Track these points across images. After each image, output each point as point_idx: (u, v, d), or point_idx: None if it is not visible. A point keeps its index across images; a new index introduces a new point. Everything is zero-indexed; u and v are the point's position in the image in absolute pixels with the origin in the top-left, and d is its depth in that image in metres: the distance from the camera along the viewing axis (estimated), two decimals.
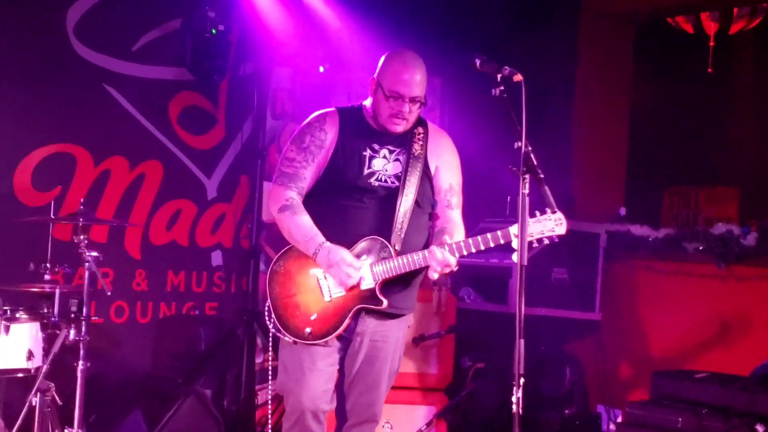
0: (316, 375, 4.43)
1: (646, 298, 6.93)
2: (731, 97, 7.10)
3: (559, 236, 4.15)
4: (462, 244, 4.23)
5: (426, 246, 4.39)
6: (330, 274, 4.34)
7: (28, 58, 6.25)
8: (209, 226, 7.21)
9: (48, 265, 5.13)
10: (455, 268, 4.26)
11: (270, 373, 4.61)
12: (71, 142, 6.48)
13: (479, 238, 4.21)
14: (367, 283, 4.34)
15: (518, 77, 3.74)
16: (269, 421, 5.06)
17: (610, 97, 7.45)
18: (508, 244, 4.03)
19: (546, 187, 3.91)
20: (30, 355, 4.75)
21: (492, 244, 4.19)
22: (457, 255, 4.22)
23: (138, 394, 6.08)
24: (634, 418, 6.13)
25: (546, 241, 4.15)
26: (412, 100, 4.39)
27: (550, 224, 4.11)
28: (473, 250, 4.23)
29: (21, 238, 5.51)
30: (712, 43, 6.96)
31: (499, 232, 4.13)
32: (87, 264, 4.89)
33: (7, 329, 4.66)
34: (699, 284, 6.73)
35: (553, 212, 4.06)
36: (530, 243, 4.03)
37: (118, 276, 6.56)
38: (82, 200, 5.20)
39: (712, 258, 6.60)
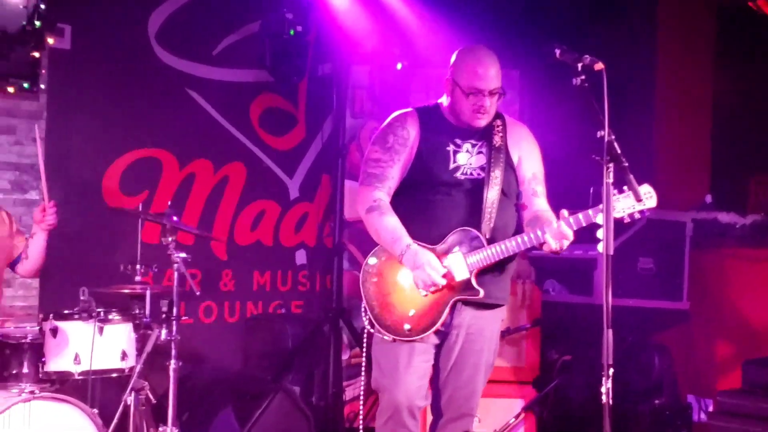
0: (412, 371, 4.44)
1: (734, 286, 6.82)
2: None
3: (649, 211, 4.12)
4: (573, 218, 4.20)
5: (515, 234, 4.38)
6: (414, 276, 4.35)
7: (112, 65, 6.37)
8: (292, 225, 7.27)
9: (138, 266, 5.20)
10: (570, 241, 4.24)
11: (364, 368, 4.62)
12: (156, 146, 6.59)
13: (583, 213, 4.18)
14: (462, 274, 4.33)
15: (599, 66, 3.71)
16: (360, 416, 5.07)
17: (692, 84, 7.34)
18: (594, 228, 4.00)
19: (631, 176, 3.88)
20: (124, 356, 4.80)
21: (587, 222, 4.17)
22: (574, 228, 4.20)
23: (228, 392, 6.14)
24: (725, 408, 6.06)
25: (637, 216, 4.11)
26: (491, 93, 4.39)
27: (643, 197, 4.05)
28: (584, 224, 4.19)
29: (111, 242, 5.60)
30: None
31: (590, 210, 4.13)
32: (176, 265, 4.95)
33: (101, 330, 4.71)
34: None
35: (642, 185, 4.01)
36: (621, 219, 4.06)
37: (205, 277, 6.64)
38: (168, 203, 5.30)
39: None
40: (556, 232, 4.21)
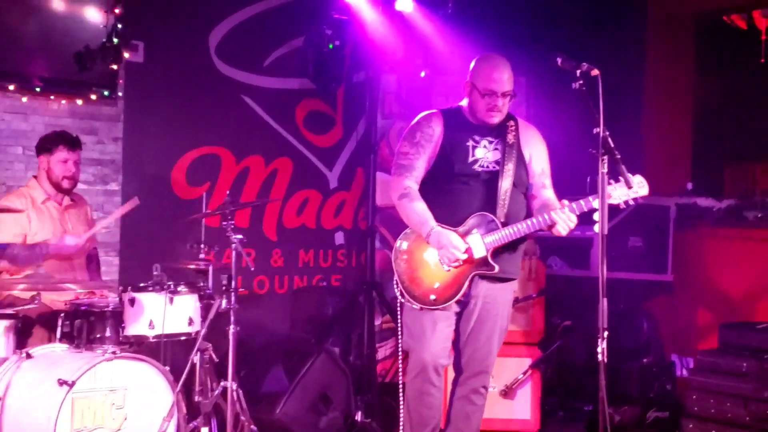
0: (437, 335, 4.46)
1: (712, 261, 6.80)
2: None
3: (642, 198, 4.16)
4: (575, 204, 4.24)
5: (525, 218, 4.41)
6: (439, 254, 4.35)
7: (178, 75, 6.38)
8: (332, 211, 7.27)
9: (202, 246, 5.23)
10: (575, 225, 4.27)
11: (400, 332, 4.61)
12: (216, 144, 6.60)
13: (585, 199, 4.21)
14: (480, 252, 4.35)
15: (595, 72, 3.69)
16: (399, 372, 5.06)
17: (675, 87, 7.31)
18: (592, 212, 3.99)
19: (623, 166, 3.89)
20: (190, 322, 4.82)
21: (587, 208, 4.20)
22: (577, 213, 4.24)
23: (279, 352, 6.15)
24: (704, 365, 6.03)
25: (631, 202, 4.14)
26: (504, 94, 4.42)
27: (635, 186, 4.11)
28: (585, 209, 4.22)
29: (179, 225, 5.61)
30: (763, 37, 6.81)
31: (591, 197, 4.15)
32: (233, 245, 4.95)
33: (171, 300, 4.73)
34: (758, 247, 6.58)
35: (633, 175, 4.05)
36: (617, 206, 4.10)
37: (258, 255, 6.62)
38: (227, 192, 5.29)
39: None
40: (562, 218, 4.24)
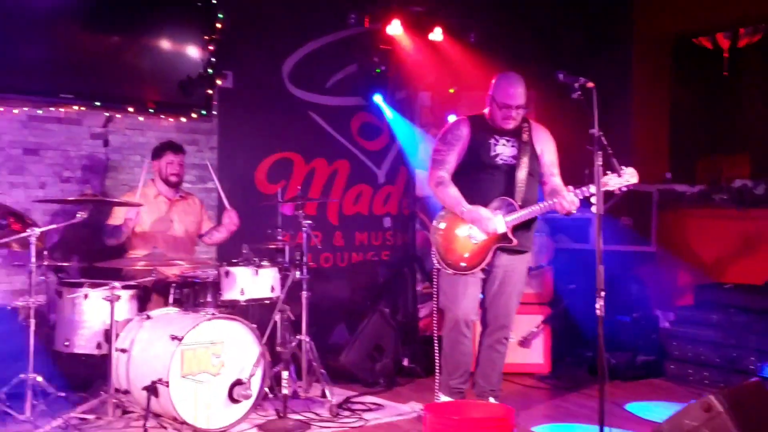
0: (467, 296, 4.46)
1: (687, 234, 6.73)
2: (742, 92, 6.84)
3: (633, 185, 4.13)
4: (578, 190, 4.25)
5: (538, 202, 4.41)
6: (475, 226, 4.35)
7: (259, 97, 6.42)
8: (381, 201, 7.26)
9: (279, 230, 5.26)
10: (577, 205, 4.27)
11: (436, 295, 4.61)
12: (289, 150, 6.63)
13: (586, 186, 4.20)
14: (501, 229, 4.36)
15: (591, 84, 3.66)
16: (433, 327, 5.06)
17: (656, 95, 7.22)
18: (591, 197, 3.96)
19: (614, 159, 3.86)
20: (272, 289, 4.86)
21: (588, 193, 4.17)
22: (579, 197, 4.25)
23: (341, 313, 6.20)
24: (682, 318, 6.05)
25: (624, 189, 4.11)
26: (518, 107, 4.39)
27: (627, 177, 4.08)
28: (587, 194, 4.21)
29: (261, 214, 5.65)
30: (726, 54, 6.73)
31: (590, 185, 4.10)
32: (304, 229, 5.00)
33: (257, 272, 4.78)
34: (724, 223, 6.50)
35: (625, 168, 4.04)
36: (612, 192, 4.08)
37: (324, 236, 6.65)
38: (299, 188, 5.34)
39: (732, 204, 6.37)
40: (569, 200, 4.24)
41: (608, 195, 4.04)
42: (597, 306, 3.60)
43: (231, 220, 5.37)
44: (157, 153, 5.33)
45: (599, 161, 3.70)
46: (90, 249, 5.29)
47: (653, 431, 3.62)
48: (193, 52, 6.02)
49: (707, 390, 3.62)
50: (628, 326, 6.17)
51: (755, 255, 6.28)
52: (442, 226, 4.51)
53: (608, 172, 3.97)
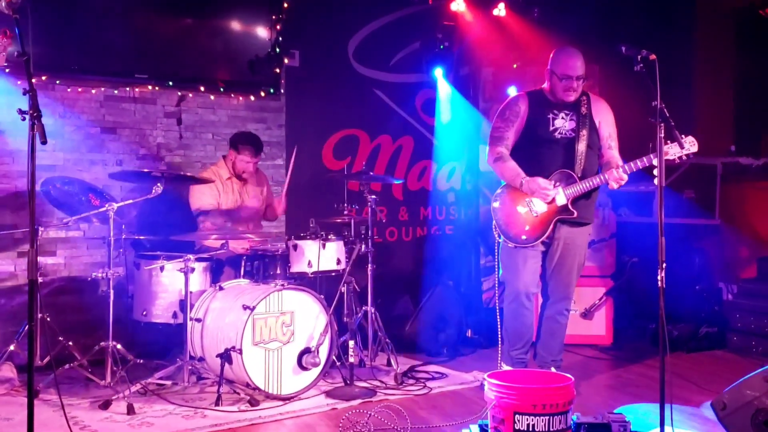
0: (527, 269, 4.43)
1: (751, 207, 6.51)
2: None
3: (693, 154, 4.05)
4: (629, 163, 4.19)
5: (597, 173, 4.34)
6: (534, 197, 4.31)
7: (326, 75, 6.41)
8: (445, 176, 7.22)
9: (346, 205, 5.27)
10: (625, 182, 4.22)
11: (497, 268, 4.59)
12: (355, 127, 6.62)
13: (638, 159, 4.15)
14: (561, 201, 4.31)
15: (653, 56, 3.56)
16: (495, 299, 5.05)
17: (719, 67, 6.99)
18: (652, 168, 3.88)
19: (676, 131, 3.77)
20: (338, 261, 4.88)
21: (647, 164, 4.11)
22: (628, 172, 4.20)
23: (406, 284, 6.22)
24: (745, 290, 5.94)
25: (685, 158, 4.03)
26: (578, 78, 4.34)
27: (687, 146, 4.00)
28: (633, 170, 4.17)
29: (329, 189, 5.68)
30: None
31: (651, 155, 4.04)
32: (370, 204, 5.01)
33: (324, 245, 4.80)
34: None
35: (686, 136, 3.95)
36: (673, 161, 4.02)
37: (389, 211, 6.64)
38: (364, 164, 5.33)
39: None
40: (616, 177, 4.19)
41: (672, 168, 3.97)
42: (659, 278, 3.53)
43: (280, 204, 5.48)
44: (237, 146, 5.31)
45: (661, 133, 3.61)
46: (165, 223, 5.42)
47: (714, 401, 3.54)
48: (261, 32, 6.06)
49: None
50: (690, 298, 6.05)
51: None
52: (502, 199, 4.48)
53: (668, 141, 3.88)
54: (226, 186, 5.31)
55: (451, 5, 6.53)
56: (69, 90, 5.42)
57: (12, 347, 4.63)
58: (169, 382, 4.53)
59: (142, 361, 4.70)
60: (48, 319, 4.58)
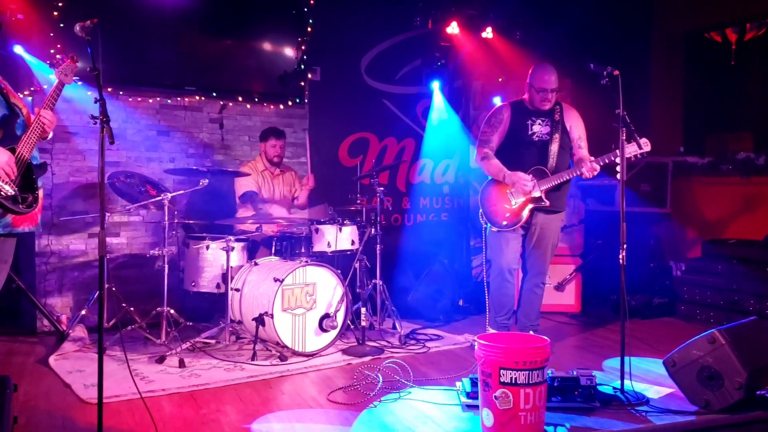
0: (509, 248, 4.42)
1: (697, 199, 6.50)
2: (747, 79, 6.52)
3: (647, 152, 4.01)
4: (598, 158, 4.16)
5: (569, 169, 4.33)
6: (515, 188, 4.30)
7: (342, 87, 6.37)
8: (441, 172, 7.19)
9: (358, 195, 5.27)
10: (597, 172, 4.19)
11: (484, 248, 4.59)
12: (366, 131, 6.58)
13: (605, 156, 4.12)
14: (536, 192, 4.29)
15: (616, 72, 3.57)
16: (483, 274, 5.04)
17: (671, 82, 6.95)
18: (615, 165, 3.87)
19: (636, 134, 3.76)
20: (352, 242, 4.89)
21: (613, 159, 4.07)
22: (600, 165, 4.17)
23: (409, 262, 6.18)
24: (691, 267, 5.91)
25: (640, 156, 3.99)
26: (553, 90, 4.31)
27: (643, 145, 3.96)
28: (603, 163, 4.15)
29: (343, 183, 5.68)
30: (734, 47, 6.42)
31: (616, 151, 3.98)
32: (378, 195, 5.00)
33: (340, 229, 4.80)
34: (729, 189, 6.23)
35: (641, 138, 3.93)
36: (630, 159, 3.96)
37: (394, 201, 6.60)
38: (373, 161, 5.32)
39: (737, 173, 6.11)
40: (589, 168, 4.16)
41: (630, 165, 3.95)
42: (620, 257, 3.53)
43: (309, 181, 5.42)
44: (264, 136, 5.38)
45: (623, 136, 3.61)
46: (210, 210, 5.43)
47: (666, 360, 3.54)
48: (288, 51, 6.04)
49: (712, 327, 3.53)
50: (646, 274, 6.05)
51: (755, 215, 6.06)
52: (488, 192, 4.47)
53: (628, 143, 3.87)
54: (262, 177, 5.33)
55: (447, 29, 6.53)
56: (130, 99, 5.42)
57: (84, 312, 4.71)
58: (213, 341, 4.56)
59: (191, 323, 4.74)
60: (113, 288, 4.62)
